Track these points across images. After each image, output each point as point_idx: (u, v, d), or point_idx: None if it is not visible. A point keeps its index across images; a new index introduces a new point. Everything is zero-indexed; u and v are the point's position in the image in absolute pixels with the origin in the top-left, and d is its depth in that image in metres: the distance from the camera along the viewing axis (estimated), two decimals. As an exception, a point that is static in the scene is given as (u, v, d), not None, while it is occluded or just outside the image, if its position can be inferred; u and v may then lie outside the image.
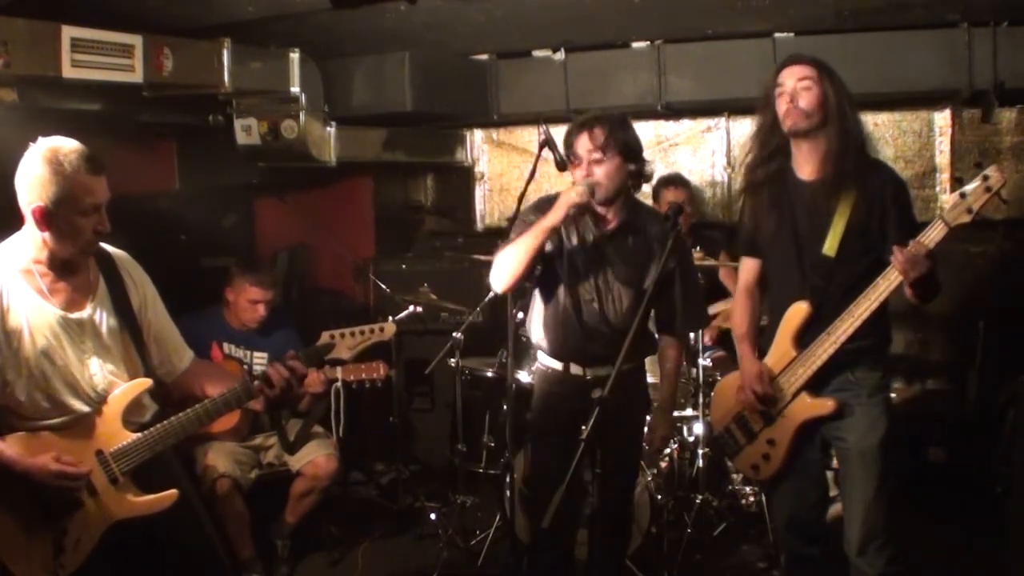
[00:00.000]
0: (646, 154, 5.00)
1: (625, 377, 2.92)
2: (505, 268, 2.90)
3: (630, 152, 2.95)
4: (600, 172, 2.89)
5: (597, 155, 2.88)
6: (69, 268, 2.36)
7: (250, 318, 4.09)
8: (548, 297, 3.07)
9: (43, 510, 2.27)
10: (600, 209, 3.00)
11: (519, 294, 3.21)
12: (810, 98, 2.63)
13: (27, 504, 2.25)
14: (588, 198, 2.84)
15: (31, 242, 2.32)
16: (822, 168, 2.68)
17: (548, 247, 2.97)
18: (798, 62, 2.68)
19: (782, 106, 2.66)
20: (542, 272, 3.06)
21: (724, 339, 4.41)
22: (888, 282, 2.54)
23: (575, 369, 3.06)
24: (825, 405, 2.71)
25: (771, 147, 2.74)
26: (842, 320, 2.62)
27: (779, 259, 2.80)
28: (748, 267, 2.97)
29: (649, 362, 4.10)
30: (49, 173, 2.22)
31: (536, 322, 3.14)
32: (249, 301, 4.06)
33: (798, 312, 2.73)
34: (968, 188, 2.42)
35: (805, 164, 2.72)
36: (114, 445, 2.36)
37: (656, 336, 3.20)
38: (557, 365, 3.09)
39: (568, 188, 2.88)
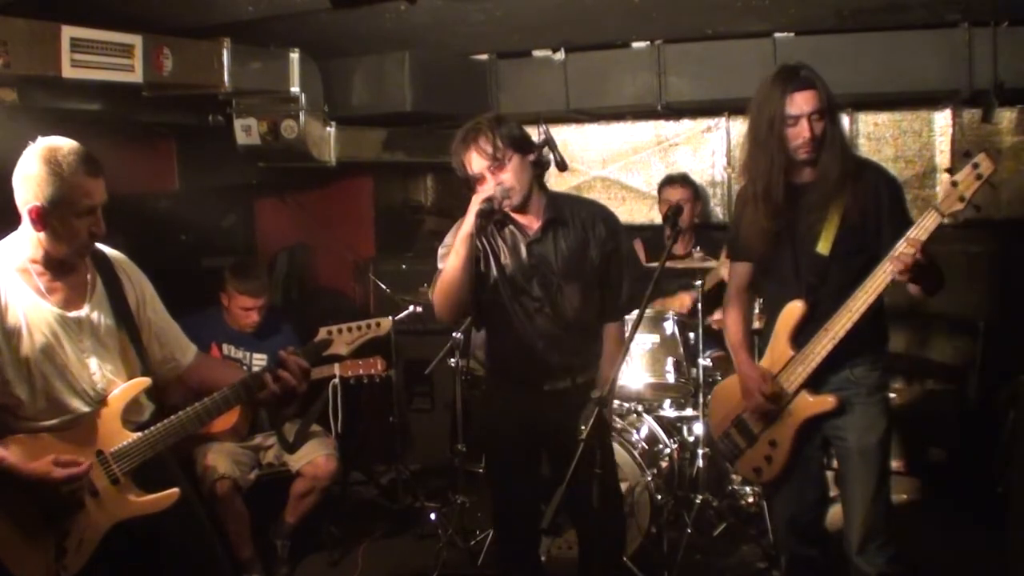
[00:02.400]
0: (646, 154, 5.12)
1: (580, 389, 2.89)
2: (442, 295, 2.81)
3: (521, 145, 2.80)
4: (507, 178, 2.76)
5: (495, 164, 2.75)
6: (65, 268, 2.36)
7: (244, 323, 4.10)
8: (494, 318, 2.92)
9: (44, 512, 2.26)
10: (520, 216, 2.89)
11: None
12: (821, 129, 2.62)
13: (28, 507, 2.24)
14: (495, 198, 2.72)
15: (27, 241, 2.31)
16: (817, 175, 2.69)
17: (483, 268, 2.84)
18: (807, 87, 2.60)
19: (797, 137, 2.62)
20: (483, 302, 2.88)
21: (723, 339, 4.41)
22: (885, 275, 2.55)
23: (530, 384, 2.93)
24: (826, 402, 2.71)
25: (769, 165, 2.68)
26: (839, 316, 2.62)
27: (774, 260, 2.80)
28: (740, 271, 2.97)
29: (648, 360, 4.13)
30: (47, 173, 2.22)
31: (489, 352, 3.01)
32: (240, 308, 4.07)
33: (794, 311, 2.73)
34: (959, 176, 2.43)
35: (800, 171, 2.72)
36: (114, 445, 2.35)
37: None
38: (507, 385, 2.99)
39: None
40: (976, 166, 2.41)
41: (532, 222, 2.90)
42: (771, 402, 2.77)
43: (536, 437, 2.95)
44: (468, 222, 2.70)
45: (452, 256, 2.76)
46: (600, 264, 2.92)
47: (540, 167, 2.89)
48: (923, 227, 2.47)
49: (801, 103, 2.59)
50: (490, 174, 2.77)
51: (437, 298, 2.84)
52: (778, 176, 2.66)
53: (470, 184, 2.84)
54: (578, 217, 2.93)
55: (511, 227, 2.91)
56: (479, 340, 3.09)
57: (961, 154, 2.53)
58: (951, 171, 2.47)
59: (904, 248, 2.46)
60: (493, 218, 2.78)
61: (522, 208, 2.87)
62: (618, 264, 2.96)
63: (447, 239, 2.88)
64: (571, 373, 2.92)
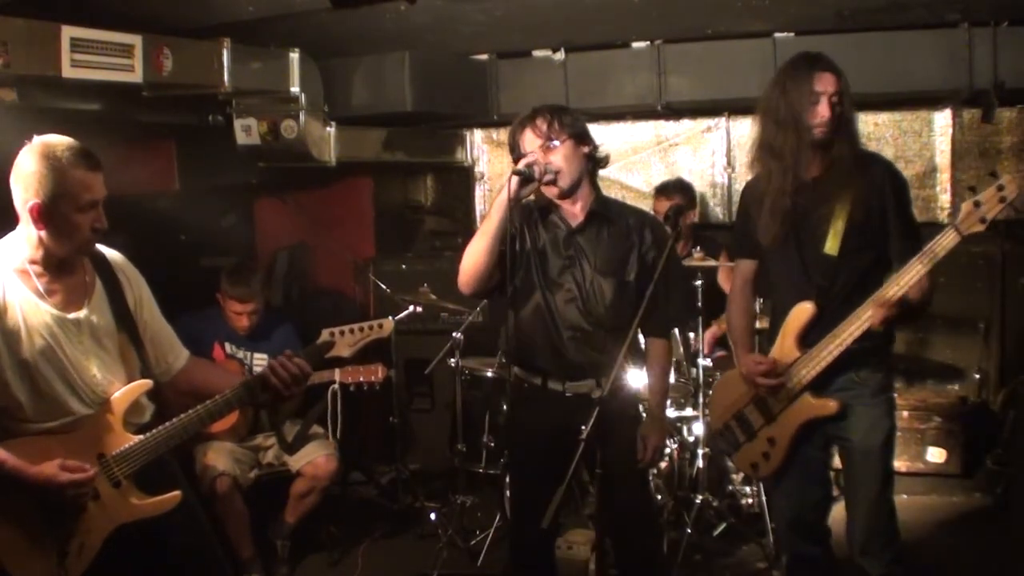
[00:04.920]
0: (645, 154, 5.12)
1: (615, 391, 2.79)
2: (466, 260, 2.79)
3: (580, 134, 2.85)
4: (556, 159, 2.78)
5: (547, 144, 2.78)
6: (65, 268, 2.34)
7: (237, 325, 4.11)
8: (523, 304, 2.89)
9: (46, 516, 2.25)
10: (566, 207, 2.90)
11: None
12: (840, 111, 2.61)
13: (30, 510, 2.23)
14: (536, 167, 2.73)
15: (26, 241, 2.30)
16: (824, 168, 2.67)
17: (518, 250, 2.86)
18: (829, 69, 2.61)
19: (817, 115, 2.60)
20: (514, 279, 2.88)
21: (725, 338, 4.41)
22: (897, 287, 2.53)
23: (553, 384, 2.89)
24: (827, 406, 2.70)
25: (797, 141, 2.65)
26: (848, 323, 2.61)
27: (781, 259, 2.78)
28: (744, 268, 2.95)
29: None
30: (45, 169, 2.20)
31: (509, 331, 2.94)
32: (231, 311, 4.09)
33: (803, 312, 2.71)
34: (982, 197, 2.41)
35: (809, 164, 2.69)
36: (116, 448, 2.34)
37: (642, 345, 3.05)
38: (535, 380, 2.92)
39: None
40: (1001, 188, 2.38)
41: (577, 214, 2.89)
42: (773, 378, 2.73)
43: (566, 446, 2.73)
44: (503, 190, 2.70)
45: (484, 221, 2.77)
46: (641, 271, 2.88)
47: (594, 162, 2.91)
48: (941, 245, 2.45)
49: (825, 82, 2.60)
50: (541, 153, 2.78)
51: (462, 265, 2.82)
52: (806, 151, 2.64)
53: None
54: (626, 220, 2.92)
55: (554, 216, 2.90)
56: (504, 339, 3.02)
57: (987, 174, 2.52)
58: (974, 190, 2.45)
59: (874, 311, 2.50)
60: (531, 187, 2.75)
61: (569, 198, 2.87)
62: (663, 276, 2.85)
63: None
64: (595, 373, 2.86)
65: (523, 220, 2.90)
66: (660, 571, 3.32)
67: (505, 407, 4.17)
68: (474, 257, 2.78)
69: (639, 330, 2.94)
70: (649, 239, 2.91)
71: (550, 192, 2.86)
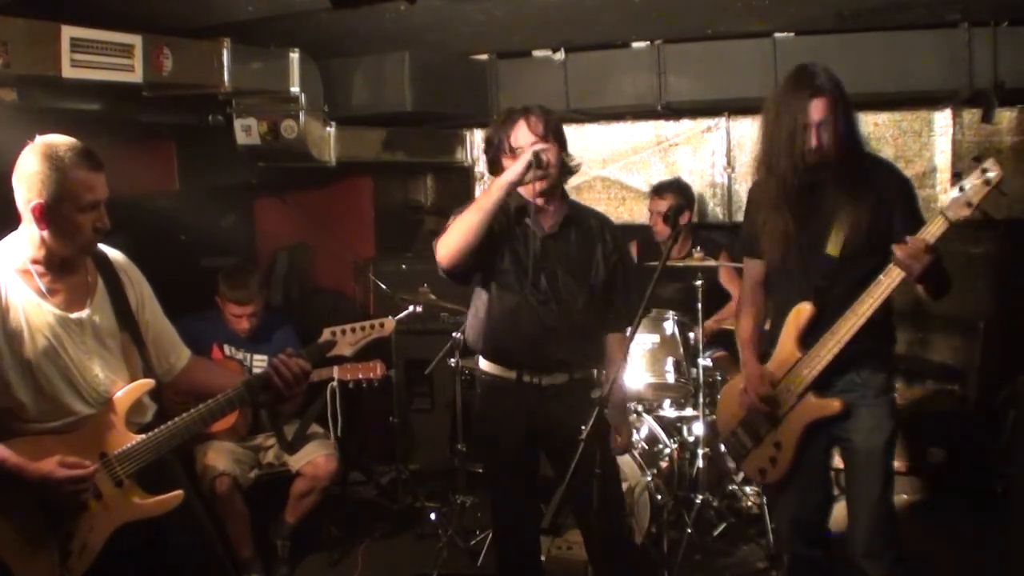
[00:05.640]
0: (646, 154, 5.12)
1: (577, 386, 2.96)
2: (455, 236, 2.78)
3: (562, 139, 2.91)
4: (549, 157, 2.80)
5: (542, 143, 2.80)
6: (67, 268, 2.35)
7: (237, 328, 4.11)
8: (497, 300, 2.93)
9: (48, 515, 2.25)
10: (540, 210, 2.94)
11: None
12: (828, 139, 2.58)
13: (32, 509, 2.23)
14: (543, 156, 2.75)
15: (28, 241, 2.30)
16: (827, 172, 2.66)
17: (494, 245, 2.88)
18: (824, 92, 2.58)
19: (808, 143, 2.58)
20: (488, 274, 2.94)
21: (725, 337, 4.41)
22: (891, 279, 2.53)
23: (528, 378, 2.94)
24: (831, 406, 2.70)
25: (791, 164, 2.64)
26: (846, 319, 2.61)
27: (783, 260, 2.78)
28: (753, 268, 2.95)
29: (648, 360, 4.13)
30: (48, 170, 2.21)
31: (481, 328, 2.99)
32: (230, 313, 4.09)
33: (802, 313, 2.72)
34: (967, 182, 2.42)
35: (814, 171, 2.68)
36: (118, 447, 2.34)
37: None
38: (509, 374, 2.96)
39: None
40: (985, 171, 2.39)
41: (550, 218, 2.96)
42: (766, 404, 2.77)
43: (535, 435, 2.98)
44: (515, 169, 2.73)
45: (482, 197, 2.79)
46: (605, 273, 2.97)
47: (566, 168, 2.98)
48: (929, 232, 2.46)
49: (813, 111, 2.58)
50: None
51: (447, 237, 2.81)
52: (800, 175, 2.63)
53: (498, 159, 2.90)
54: (589, 222, 3.02)
55: (528, 218, 2.93)
56: (474, 334, 3.06)
57: (971, 158, 2.52)
58: (959, 176, 2.46)
59: (908, 251, 2.45)
60: (535, 174, 2.76)
61: (547, 198, 2.92)
62: (624, 276, 3.03)
63: (464, 208, 2.87)
64: (569, 369, 2.96)
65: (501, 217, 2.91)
66: (631, 558, 3.32)
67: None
68: (464, 231, 2.78)
69: (601, 328, 3.03)
70: (610, 241, 3.00)
71: (537, 187, 2.86)
